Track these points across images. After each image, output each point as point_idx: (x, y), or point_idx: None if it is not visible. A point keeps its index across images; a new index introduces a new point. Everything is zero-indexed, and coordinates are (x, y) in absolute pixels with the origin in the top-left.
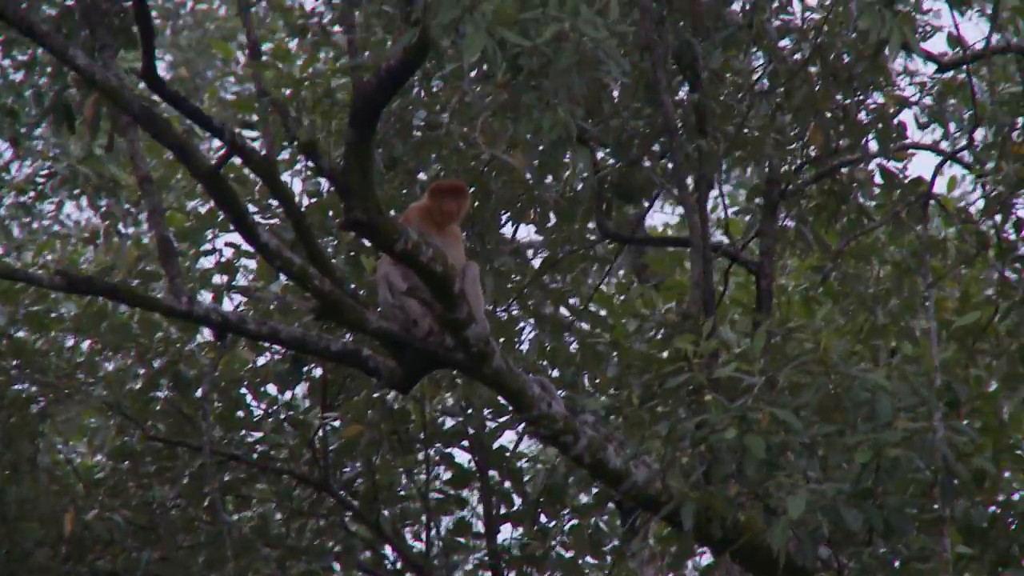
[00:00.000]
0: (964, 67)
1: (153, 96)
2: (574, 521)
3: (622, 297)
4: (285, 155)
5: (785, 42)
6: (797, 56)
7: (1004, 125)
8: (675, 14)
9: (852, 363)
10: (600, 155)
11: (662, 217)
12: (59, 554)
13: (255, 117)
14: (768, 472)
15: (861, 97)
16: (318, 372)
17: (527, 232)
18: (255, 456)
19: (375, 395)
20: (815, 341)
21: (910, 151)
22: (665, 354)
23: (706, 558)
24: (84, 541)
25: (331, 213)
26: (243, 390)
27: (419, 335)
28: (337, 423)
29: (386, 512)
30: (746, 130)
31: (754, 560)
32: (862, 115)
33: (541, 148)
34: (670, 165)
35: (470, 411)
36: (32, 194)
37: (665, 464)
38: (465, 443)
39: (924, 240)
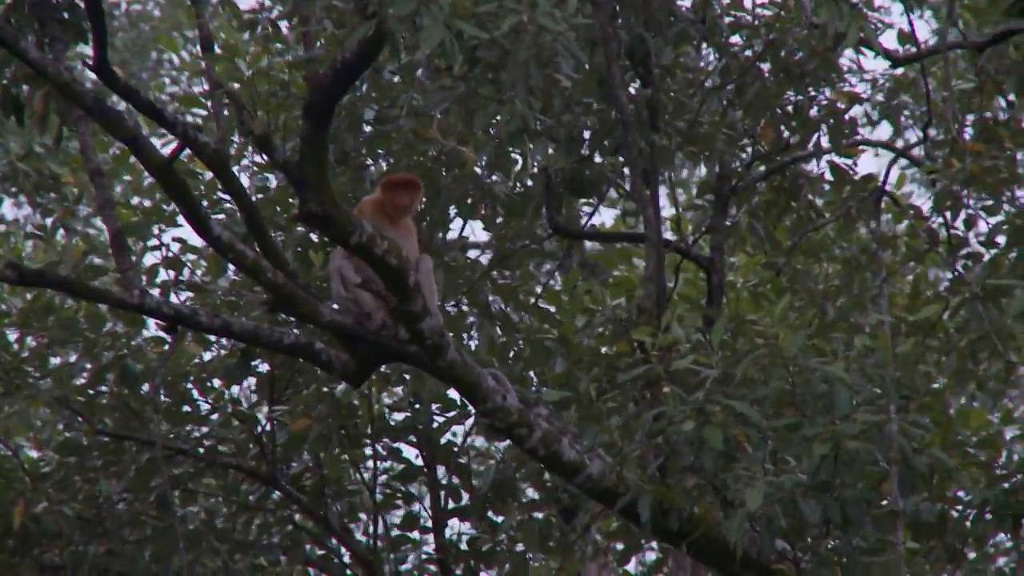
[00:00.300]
0: (918, 63)
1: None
2: (523, 517)
3: (568, 296)
4: (232, 150)
5: (736, 38)
6: (749, 52)
7: (955, 122)
8: (628, 9)
9: (809, 356)
10: (551, 150)
11: (610, 213)
12: (6, 547)
13: (202, 113)
14: (725, 464)
15: (813, 93)
16: (265, 367)
17: (474, 229)
18: (202, 451)
19: (324, 389)
20: (772, 334)
21: (860, 148)
22: (613, 350)
23: (651, 555)
24: (32, 534)
25: (279, 208)
26: (189, 385)
27: (372, 328)
28: (285, 418)
29: (335, 507)
30: (698, 126)
31: (710, 553)
32: (814, 111)
33: (497, 141)
34: (621, 160)
35: (418, 406)
36: None
37: (621, 456)
38: (413, 438)
39: (877, 235)
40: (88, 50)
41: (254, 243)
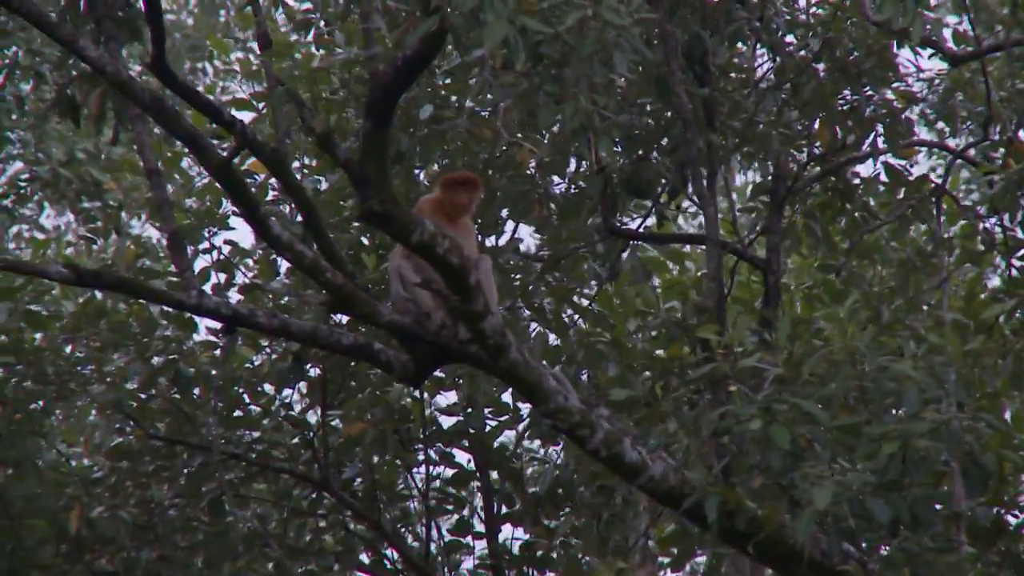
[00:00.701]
0: (977, 61)
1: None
2: (578, 521)
3: (619, 299)
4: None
5: (791, 37)
6: (804, 51)
7: (1012, 121)
8: (685, 6)
9: (876, 354)
10: (615, 148)
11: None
12: (59, 553)
13: (250, 116)
14: (793, 463)
15: (869, 92)
16: (316, 371)
17: (526, 231)
18: (254, 455)
19: (377, 393)
20: (839, 332)
21: (916, 148)
22: (667, 352)
23: (701, 558)
24: (85, 540)
25: (331, 211)
26: (240, 389)
27: (432, 328)
28: (336, 422)
29: (388, 512)
30: (753, 126)
31: (774, 555)
32: (870, 111)
33: (553, 138)
34: (678, 160)
35: (470, 410)
36: (12, 197)
37: (687, 455)
38: (465, 442)
39: (939, 236)
40: (135, 50)
41: (312, 243)
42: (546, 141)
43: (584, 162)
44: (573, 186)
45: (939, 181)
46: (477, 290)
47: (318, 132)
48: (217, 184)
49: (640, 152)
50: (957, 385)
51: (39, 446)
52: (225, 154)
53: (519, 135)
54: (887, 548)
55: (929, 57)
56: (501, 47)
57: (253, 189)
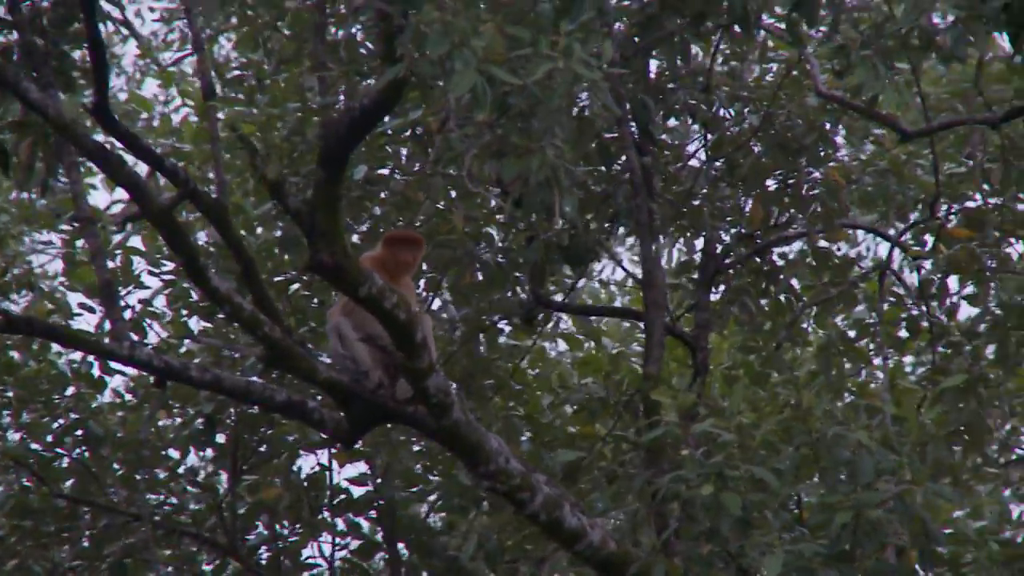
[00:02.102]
0: (929, 137)
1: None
2: None
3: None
4: None
5: (729, 111)
6: (743, 125)
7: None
8: (632, 72)
9: (830, 423)
10: (567, 208)
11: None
12: None
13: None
14: (744, 531)
15: (808, 169)
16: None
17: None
18: (157, 519)
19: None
20: (797, 398)
21: (846, 231)
22: (578, 430)
23: None
24: None
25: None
26: (147, 452)
27: (369, 387)
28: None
29: None
30: (688, 200)
31: None
32: (807, 188)
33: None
34: (620, 229)
35: (379, 480)
36: None
37: (637, 519)
38: (373, 513)
39: (881, 313)
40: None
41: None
42: (494, 202)
43: (513, 230)
44: (501, 255)
45: (865, 265)
46: (423, 347)
47: (270, 179)
48: (158, 232)
49: (583, 218)
50: (913, 456)
51: None
52: (167, 201)
53: (479, 188)
54: None
55: (867, 141)
56: (467, 96)
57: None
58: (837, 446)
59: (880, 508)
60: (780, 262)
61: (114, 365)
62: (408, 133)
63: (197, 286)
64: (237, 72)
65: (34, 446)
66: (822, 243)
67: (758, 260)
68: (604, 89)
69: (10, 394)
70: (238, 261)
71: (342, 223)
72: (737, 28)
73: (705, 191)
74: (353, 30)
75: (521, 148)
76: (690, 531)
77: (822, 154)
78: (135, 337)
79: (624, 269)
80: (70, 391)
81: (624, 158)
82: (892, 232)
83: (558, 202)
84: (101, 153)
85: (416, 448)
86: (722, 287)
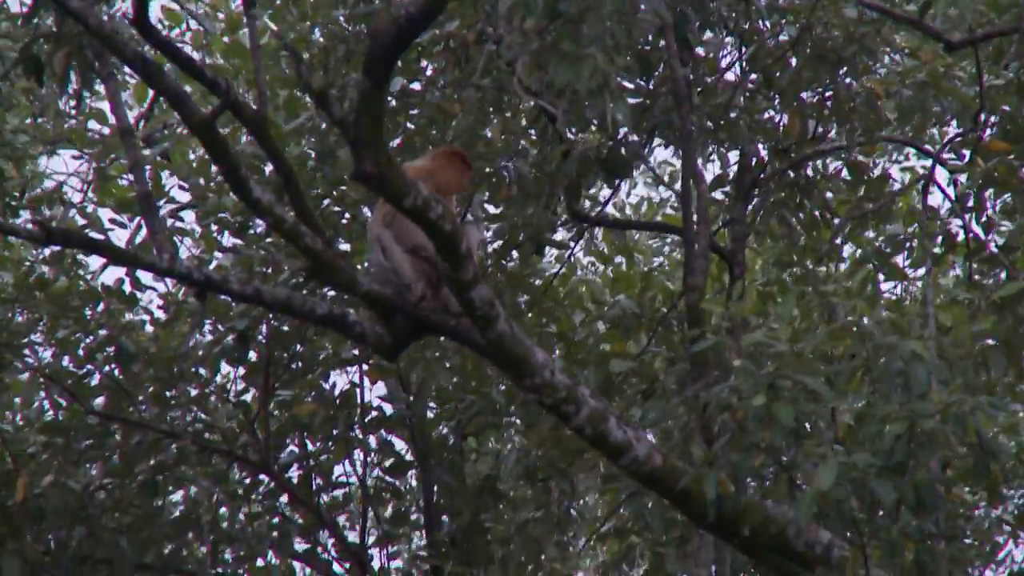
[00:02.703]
0: (972, 47)
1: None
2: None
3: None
4: None
5: (766, 24)
6: (782, 37)
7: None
8: None
9: (885, 333)
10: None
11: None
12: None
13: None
14: (796, 442)
15: (848, 81)
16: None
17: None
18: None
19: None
20: (852, 308)
21: (882, 145)
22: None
23: None
24: (29, 512)
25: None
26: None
27: (412, 300)
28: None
29: (324, 498)
30: (726, 112)
31: (757, 545)
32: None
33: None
34: (656, 140)
35: (411, 398)
36: None
37: (688, 431)
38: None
39: (924, 225)
40: None
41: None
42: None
43: (548, 144)
44: (534, 169)
45: (899, 180)
46: (467, 258)
47: (316, 88)
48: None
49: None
50: (967, 366)
51: None
52: (208, 113)
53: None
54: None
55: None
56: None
57: None
58: (891, 356)
59: (933, 419)
60: (815, 176)
61: (145, 280)
62: (441, 47)
63: (238, 197)
64: None
65: (66, 363)
66: (858, 157)
67: (792, 174)
68: None
69: (42, 311)
70: (278, 172)
71: (384, 133)
72: None
73: (742, 104)
74: None
75: (572, 55)
76: (741, 442)
77: (860, 66)
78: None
79: (662, 181)
80: (101, 307)
81: (661, 68)
82: (928, 145)
83: (610, 109)
84: (143, 63)
85: (448, 365)
86: (757, 201)
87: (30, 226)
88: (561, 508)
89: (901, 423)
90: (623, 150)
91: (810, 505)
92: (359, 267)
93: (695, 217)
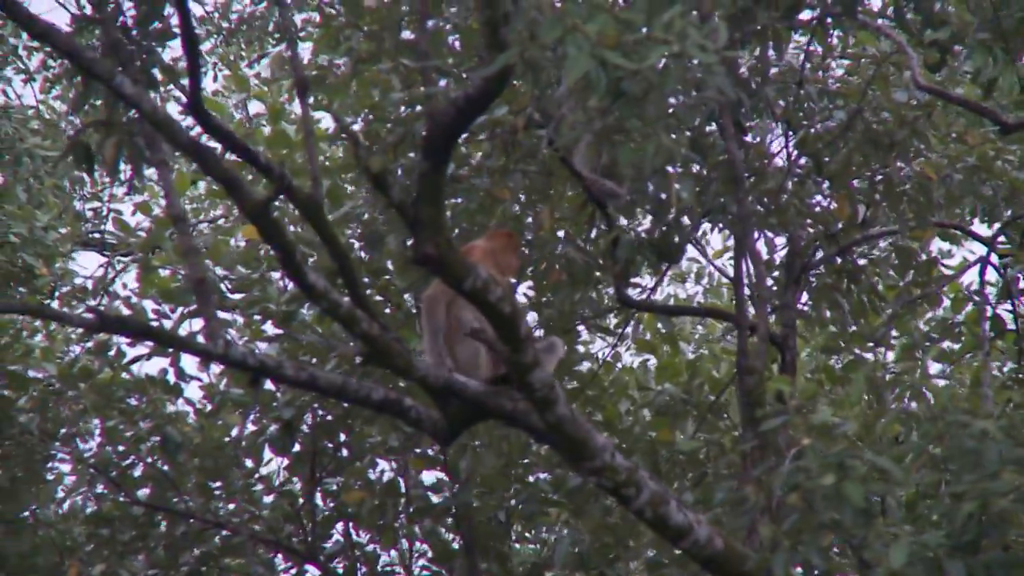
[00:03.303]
0: None
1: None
2: None
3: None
4: None
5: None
6: (828, 123)
7: None
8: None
9: (956, 412)
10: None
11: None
12: None
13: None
14: (866, 522)
15: (899, 165)
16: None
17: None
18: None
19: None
20: (920, 387)
21: (930, 230)
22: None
23: None
24: None
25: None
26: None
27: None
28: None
29: None
30: (777, 197)
31: None
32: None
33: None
34: (707, 224)
35: (457, 486)
36: None
37: (758, 510)
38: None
39: (982, 308)
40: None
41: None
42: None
43: (596, 228)
44: (588, 248)
45: (946, 263)
46: (528, 341)
47: (374, 171)
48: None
49: (670, 216)
50: None
51: (35, 502)
52: (262, 197)
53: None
54: None
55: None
56: (581, 82)
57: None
58: (961, 434)
59: (1006, 498)
60: (862, 262)
61: (188, 370)
62: (484, 135)
63: (293, 281)
64: (315, 72)
65: (109, 454)
66: (907, 243)
67: (840, 260)
68: (720, 72)
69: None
70: (333, 257)
71: (445, 215)
72: (838, 13)
73: (790, 189)
74: (440, 23)
75: (637, 133)
76: (810, 523)
77: (912, 151)
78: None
79: (714, 266)
80: (144, 399)
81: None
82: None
83: (674, 188)
84: (197, 149)
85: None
86: (806, 287)
87: (85, 314)
88: None
89: (974, 502)
90: (675, 235)
91: None
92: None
93: (752, 300)
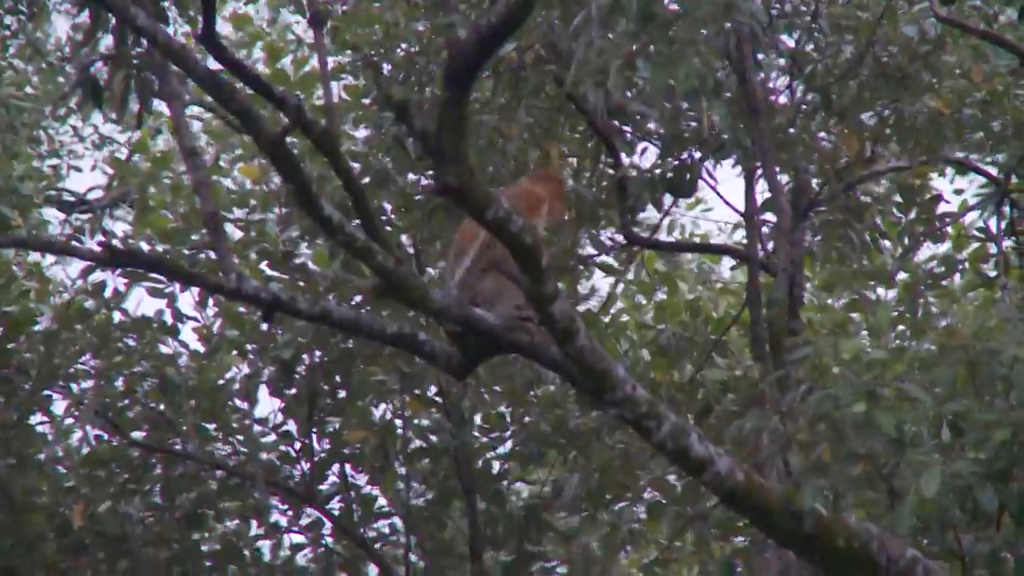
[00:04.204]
0: None
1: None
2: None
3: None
4: None
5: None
6: (838, 58)
7: None
8: None
9: (987, 338)
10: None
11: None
12: (64, 547)
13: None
14: (897, 451)
15: (913, 100)
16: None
17: None
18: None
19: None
20: (952, 313)
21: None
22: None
23: None
24: (86, 536)
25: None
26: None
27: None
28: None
29: (366, 530)
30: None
31: (836, 561)
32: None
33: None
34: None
35: (455, 428)
36: None
37: (786, 440)
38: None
39: (1001, 235)
40: None
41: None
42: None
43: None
44: (597, 185)
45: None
46: (549, 272)
47: (395, 101)
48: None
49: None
50: None
51: (40, 439)
52: (278, 130)
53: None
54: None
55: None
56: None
57: None
58: (992, 361)
59: None
60: (866, 199)
61: (186, 312)
62: (488, 72)
63: (309, 216)
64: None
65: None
66: (910, 180)
67: (844, 196)
68: None
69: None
70: (348, 191)
71: (467, 144)
72: None
73: (798, 125)
74: None
75: (667, 57)
76: (840, 452)
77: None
78: None
79: (725, 201)
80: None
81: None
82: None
83: (706, 111)
84: (214, 80)
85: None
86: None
87: (95, 247)
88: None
89: (1006, 429)
90: (687, 170)
91: (911, 515)
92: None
93: (768, 233)
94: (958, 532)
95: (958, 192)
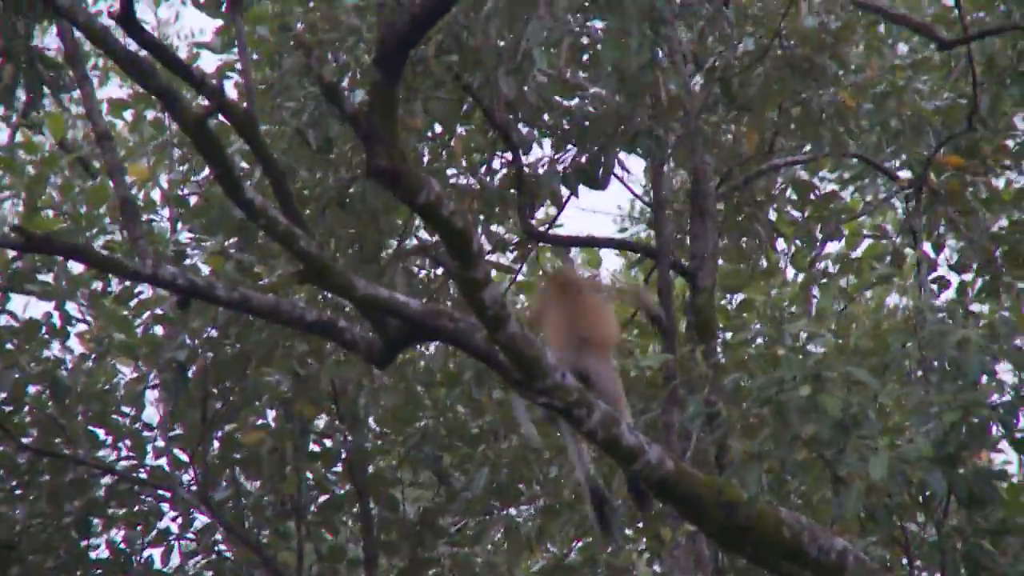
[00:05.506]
0: (966, 46)
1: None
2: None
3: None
4: None
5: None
6: (739, 50)
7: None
8: None
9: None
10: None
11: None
12: None
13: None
14: (843, 435)
15: (820, 92)
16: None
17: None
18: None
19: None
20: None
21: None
22: None
23: None
24: None
25: None
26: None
27: None
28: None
29: (259, 534)
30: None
31: (768, 552)
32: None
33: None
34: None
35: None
36: None
37: (729, 425)
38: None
39: (917, 228)
40: None
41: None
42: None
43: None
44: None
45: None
46: (479, 258)
47: (326, 82)
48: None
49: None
50: (1020, 352)
51: None
52: (201, 111)
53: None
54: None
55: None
56: None
57: None
58: (941, 344)
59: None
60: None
61: (73, 313)
62: None
63: (231, 199)
64: None
65: None
66: (803, 176)
67: (740, 193)
68: None
69: None
70: (268, 175)
71: (399, 127)
72: None
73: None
74: None
75: (616, 33)
76: (782, 436)
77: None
78: None
79: (634, 193)
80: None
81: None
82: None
83: (663, 80)
84: (134, 61)
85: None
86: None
87: (11, 233)
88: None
89: (955, 412)
90: (602, 160)
91: (857, 500)
92: None
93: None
94: (902, 520)
95: (849, 187)
